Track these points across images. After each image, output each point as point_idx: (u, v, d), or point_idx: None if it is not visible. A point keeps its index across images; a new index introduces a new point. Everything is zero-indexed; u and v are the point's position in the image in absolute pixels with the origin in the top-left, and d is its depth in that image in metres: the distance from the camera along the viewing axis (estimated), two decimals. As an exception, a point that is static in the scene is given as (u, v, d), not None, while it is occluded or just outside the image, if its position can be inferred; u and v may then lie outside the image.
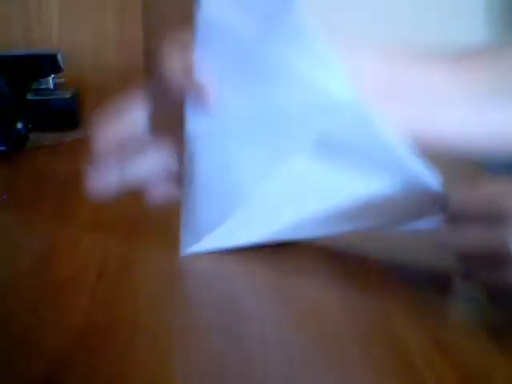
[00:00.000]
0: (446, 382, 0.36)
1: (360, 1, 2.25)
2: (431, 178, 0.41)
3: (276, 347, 0.41)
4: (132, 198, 0.66)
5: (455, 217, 0.36)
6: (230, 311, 0.45)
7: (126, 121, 0.45)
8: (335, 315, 0.44)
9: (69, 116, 0.88)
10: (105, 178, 0.46)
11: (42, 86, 0.90)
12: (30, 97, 0.88)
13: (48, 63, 0.88)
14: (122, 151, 0.45)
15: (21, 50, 0.98)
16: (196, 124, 0.42)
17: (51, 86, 0.90)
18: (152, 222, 0.60)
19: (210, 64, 0.41)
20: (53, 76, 0.90)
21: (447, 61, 0.47)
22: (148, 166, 0.46)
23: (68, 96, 0.89)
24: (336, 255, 0.50)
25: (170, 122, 0.43)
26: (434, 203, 0.41)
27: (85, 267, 0.52)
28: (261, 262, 0.50)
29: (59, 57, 0.88)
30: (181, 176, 0.47)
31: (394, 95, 0.42)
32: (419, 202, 0.42)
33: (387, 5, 2.30)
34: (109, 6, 1.04)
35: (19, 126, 0.79)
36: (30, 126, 0.83)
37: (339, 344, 0.41)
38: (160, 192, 0.46)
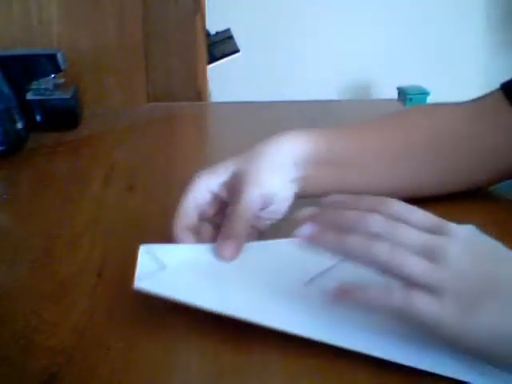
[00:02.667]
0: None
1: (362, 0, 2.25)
2: None
3: None
4: (131, 200, 0.67)
5: None
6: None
7: None
8: None
9: (68, 116, 0.89)
10: None
11: (42, 86, 0.90)
12: (29, 97, 0.88)
13: (48, 63, 0.88)
14: None
15: (21, 49, 0.98)
16: None
17: (51, 86, 0.90)
18: (151, 222, 0.60)
19: None
20: (53, 76, 0.90)
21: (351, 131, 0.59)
22: None
23: (68, 96, 0.89)
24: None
25: None
26: None
27: (85, 267, 0.52)
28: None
29: (59, 57, 0.88)
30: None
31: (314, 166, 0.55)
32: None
33: (387, 4, 2.30)
34: (109, 6, 1.04)
35: (19, 126, 0.79)
36: (29, 125, 0.83)
37: None
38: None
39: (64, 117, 0.88)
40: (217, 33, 1.52)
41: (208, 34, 1.29)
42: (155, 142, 0.86)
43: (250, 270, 0.47)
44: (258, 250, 0.49)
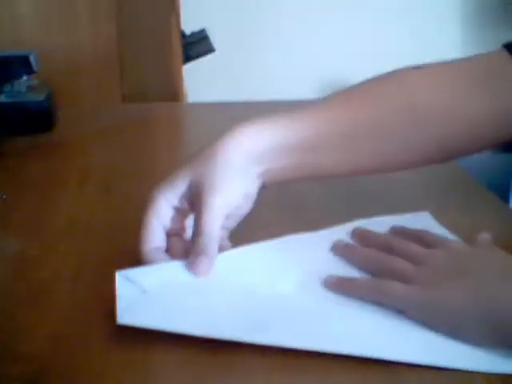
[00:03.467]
0: None
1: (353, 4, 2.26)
2: None
3: None
4: (108, 202, 0.66)
5: None
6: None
7: None
8: None
9: (42, 118, 0.87)
10: None
11: (15, 88, 0.89)
12: (1, 99, 0.87)
13: (20, 65, 0.87)
14: None
15: (-8, 51, 0.96)
16: None
17: (24, 88, 0.89)
18: (128, 225, 0.59)
19: None
20: (25, 78, 0.88)
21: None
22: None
23: (41, 98, 0.88)
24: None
25: None
26: None
27: (61, 272, 0.51)
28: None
29: (32, 58, 0.86)
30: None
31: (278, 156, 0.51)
32: None
33: (364, 2, 2.31)
34: (81, 6, 1.03)
35: (-9, 129, 0.78)
36: (2, 129, 0.82)
37: None
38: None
39: (37, 119, 0.87)
40: (192, 33, 1.51)
41: (183, 34, 1.28)
42: (131, 143, 0.85)
43: (229, 281, 0.47)
44: (232, 259, 0.49)
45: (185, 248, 0.49)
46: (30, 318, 0.45)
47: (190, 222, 0.51)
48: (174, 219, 0.50)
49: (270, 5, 2.23)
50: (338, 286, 0.46)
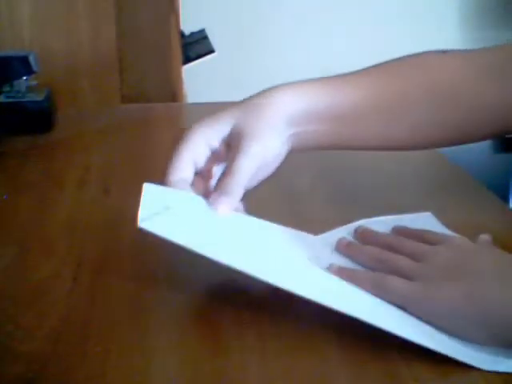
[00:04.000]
0: None
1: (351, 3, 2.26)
2: None
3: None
4: (107, 203, 0.66)
5: None
6: (206, 310, 0.45)
7: None
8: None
9: (42, 119, 0.87)
10: None
11: (14, 89, 0.88)
12: (1, 99, 0.87)
13: (20, 65, 0.87)
14: None
15: (-8, 51, 0.96)
16: None
17: (23, 89, 0.89)
18: (128, 225, 0.59)
19: None
20: (25, 78, 0.88)
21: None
22: None
23: (41, 98, 0.88)
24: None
25: None
26: None
27: (60, 272, 0.51)
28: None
29: (31, 58, 0.86)
30: None
31: (311, 120, 0.52)
32: None
33: (362, 3, 2.31)
34: (81, 7, 1.03)
35: (-10, 129, 0.78)
36: (1, 129, 0.82)
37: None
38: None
39: (37, 119, 0.87)
40: (191, 33, 1.51)
41: (182, 35, 1.28)
42: (130, 143, 0.85)
43: (245, 231, 0.48)
44: (246, 221, 0.49)
45: (206, 191, 0.49)
46: (29, 318, 0.45)
47: (217, 169, 0.51)
48: (207, 159, 0.50)
49: (269, 5, 2.23)
50: (340, 274, 0.46)
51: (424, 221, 0.56)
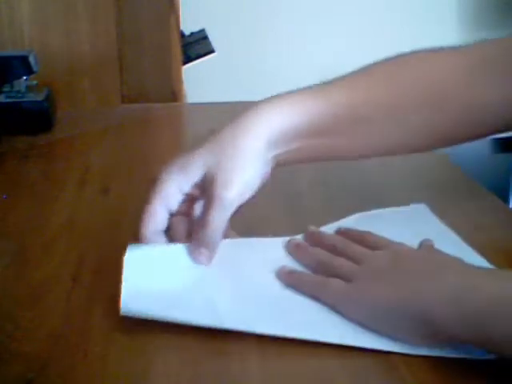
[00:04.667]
0: None
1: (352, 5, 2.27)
2: None
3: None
4: (107, 202, 0.66)
5: None
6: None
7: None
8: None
9: (41, 119, 0.87)
10: None
11: (14, 89, 0.88)
12: (1, 99, 0.87)
13: (20, 65, 0.87)
14: None
15: (-9, 51, 0.96)
16: None
17: (23, 89, 0.89)
18: (127, 225, 0.59)
19: None
20: (25, 78, 0.88)
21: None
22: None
23: (40, 98, 0.88)
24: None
25: None
26: None
27: (60, 272, 0.51)
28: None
29: (31, 58, 0.86)
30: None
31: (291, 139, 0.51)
32: None
33: (361, 5, 2.32)
34: (81, 7, 1.03)
35: (-10, 129, 0.78)
36: (1, 129, 0.82)
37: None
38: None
39: (37, 119, 0.87)
40: (191, 33, 1.51)
41: (182, 35, 1.28)
42: (130, 143, 0.85)
43: (228, 269, 0.48)
44: (233, 248, 0.49)
45: (187, 230, 0.49)
46: (29, 318, 0.45)
47: (197, 205, 0.51)
48: (181, 204, 0.50)
49: (269, 5, 2.23)
50: (287, 278, 0.47)
51: (419, 213, 0.56)
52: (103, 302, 0.46)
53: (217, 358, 0.40)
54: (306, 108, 0.51)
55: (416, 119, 0.53)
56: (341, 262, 0.47)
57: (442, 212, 0.57)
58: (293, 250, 0.51)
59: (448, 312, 0.38)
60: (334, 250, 0.49)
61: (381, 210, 0.57)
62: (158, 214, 0.49)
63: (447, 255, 0.44)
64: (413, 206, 0.58)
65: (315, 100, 0.51)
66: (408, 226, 0.53)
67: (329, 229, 0.53)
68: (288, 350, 0.41)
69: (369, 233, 0.51)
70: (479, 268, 0.42)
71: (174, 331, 0.43)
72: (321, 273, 0.47)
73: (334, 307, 0.43)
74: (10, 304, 0.47)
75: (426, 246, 0.47)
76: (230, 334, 0.42)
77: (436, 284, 0.40)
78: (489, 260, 0.49)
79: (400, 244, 0.48)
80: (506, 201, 1.95)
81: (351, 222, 0.54)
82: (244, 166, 0.48)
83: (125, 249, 0.52)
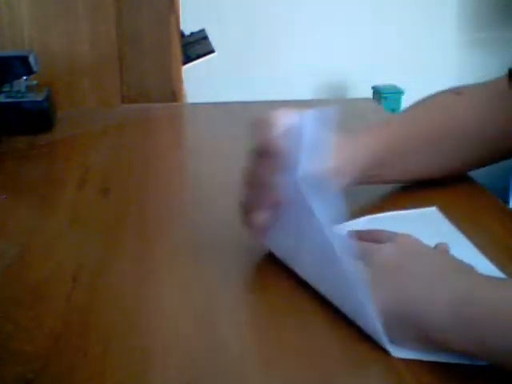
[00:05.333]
0: None
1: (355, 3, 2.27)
2: None
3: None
4: (107, 202, 0.66)
5: None
6: (206, 311, 0.45)
7: None
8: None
9: (41, 118, 0.87)
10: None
11: (14, 89, 0.88)
12: (1, 99, 0.87)
13: (20, 65, 0.87)
14: None
15: (-9, 51, 0.96)
16: None
17: (23, 89, 0.89)
18: (127, 225, 0.59)
19: None
20: (25, 78, 0.88)
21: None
22: None
23: (40, 98, 0.88)
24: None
25: None
26: None
27: (60, 272, 0.51)
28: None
29: (31, 58, 0.86)
30: None
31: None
32: None
33: (362, 4, 2.32)
34: (81, 7, 1.03)
35: (-10, 129, 0.78)
36: (1, 129, 0.82)
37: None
38: None
39: (37, 119, 0.87)
40: (191, 33, 1.51)
41: (182, 35, 1.28)
42: (130, 143, 0.85)
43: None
44: None
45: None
46: (29, 319, 0.45)
47: None
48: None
49: (269, 5, 2.23)
50: None
51: (430, 216, 0.56)
52: (103, 302, 0.46)
53: (217, 358, 0.40)
54: (365, 147, 0.58)
55: (449, 149, 0.63)
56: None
57: (441, 211, 0.57)
58: None
59: (445, 319, 0.38)
60: None
61: (392, 213, 0.57)
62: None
63: (459, 260, 0.43)
64: (424, 210, 0.58)
65: (381, 137, 0.60)
66: (420, 229, 0.52)
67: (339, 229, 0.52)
68: (288, 348, 0.41)
69: (376, 231, 0.50)
70: (485, 276, 0.42)
71: (174, 331, 0.43)
72: None
73: None
74: (10, 304, 0.47)
75: (440, 248, 0.46)
76: (229, 333, 0.42)
77: (437, 289, 0.40)
78: (489, 260, 0.49)
79: (410, 237, 0.46)
80: (506, 201, 1.95)
81: (361, 224, 0.54)
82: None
83: (125, 249, 0.52)
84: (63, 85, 1.00)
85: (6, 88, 0.88)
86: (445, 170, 0.64)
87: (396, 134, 0.61)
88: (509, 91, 0.62)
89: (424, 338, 0.39)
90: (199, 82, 1.77)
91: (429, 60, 2.35)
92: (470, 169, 0.66)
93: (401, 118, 0.67)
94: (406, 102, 2.26)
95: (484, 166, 0.65)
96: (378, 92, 2.24)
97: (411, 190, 0.64)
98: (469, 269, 0.42)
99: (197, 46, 1.48)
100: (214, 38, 1.54)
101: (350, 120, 0.92)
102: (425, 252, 0.45)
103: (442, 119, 0.64)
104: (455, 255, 0.44)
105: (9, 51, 0.96)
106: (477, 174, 0.67)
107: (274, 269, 0.50)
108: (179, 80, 1.13)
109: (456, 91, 0.66)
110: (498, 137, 0.63)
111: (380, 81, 2.24)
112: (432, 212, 0.57)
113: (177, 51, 1.12)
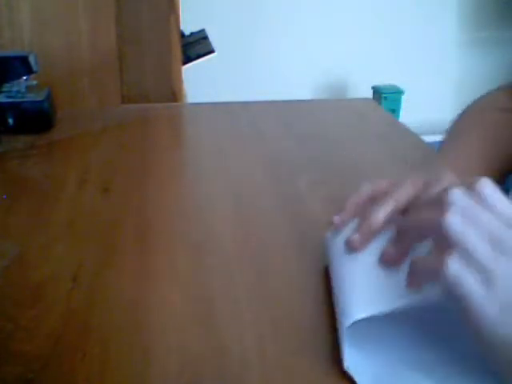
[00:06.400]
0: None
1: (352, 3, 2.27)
2: None
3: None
4: (107, 202, 0.66)
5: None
6: (206, 311, 0.45)
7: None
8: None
9: (41, 118, 0.87)
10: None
11: (14, 89, 0.88)
12: (1, 99, 0.87)
13: (20, 65, 0.87)
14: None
15: (-9, 51, 0.96)
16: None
17: (23, 89, 0.89)
18: (127, 225, 0.59)
19: None
20: (25, 78, 0.88)
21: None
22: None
23: (40, 98, 0.88)
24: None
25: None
26: None
27: (60, 272, 0.51)
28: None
29: (31, 58, 0.86)
30: None
31: None
32: None
33: (362, 4, 2.32)
34: (81, 7, 1.03)
35: (-9, 129, 0.78)
36: (1, 129, 0.82)
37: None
38: None
39: (37, 119, 0.87)
40: (191, 33, 1.51)
41: (182, 35, 1.28)
42: (130, 143, 0.85)
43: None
44: None
45: None
46: (29, 319, 0.45)
47: None
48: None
49: (269, 5, 2.23)
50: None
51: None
52: (103, 302, 0.46)
53: (217, 359, 0.40)
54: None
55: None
56: (479, 244, 0.35)
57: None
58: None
59: None
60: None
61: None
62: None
63: None
64: None
65: (458, 161, 0.60)
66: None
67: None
68: (288, 348, 0.41)
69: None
70: None
71: (174, 331, 0.43)
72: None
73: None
74: (10, 304, 0.47)
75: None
76: (230, 334, 0.42)
77: None
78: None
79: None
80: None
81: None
82: None
83: (125, 249, 0.52)
84: (63, 85, 1.00)
85: (6, 88, 0.88)
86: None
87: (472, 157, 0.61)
88: None
89: None
90: (199, 81, 1.77)
91: (429, 60, 2.35)
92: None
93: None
94: (405, 101, 2.27)
95: None
96: (378, 92, 2.25)
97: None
98: None
99: (197, 46, 1.48)
100: (213, 38, 1.54)
101: (350, 120, 0.92)
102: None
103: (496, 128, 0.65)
104: None
105: (9, 51, 0.97)
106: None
107: (273, 269, 0.50)
108: (179, 80, 1.13)
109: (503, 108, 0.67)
110: None
111: (380, 81, 2.25)
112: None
113: (177, 51, 1.12)
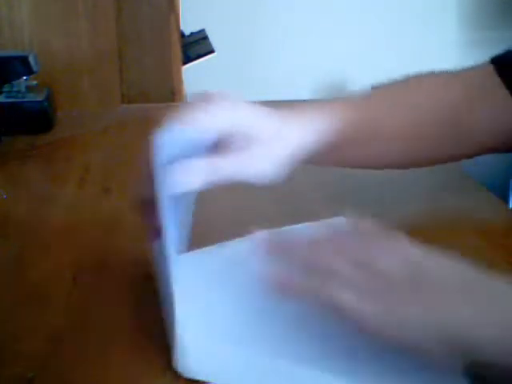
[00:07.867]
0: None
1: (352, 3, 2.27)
2: None
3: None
4: (107, 202, 0.66)
5: None
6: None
7: None
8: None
9: (42, 119, 0.87)
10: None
11: (14, 89, 0.89)
12: (1, 99, 0.87)
13: (20, 65, 0.87)
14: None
15: (-9, 51, 0.96)
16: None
17: (23, 89, 0.89)
18: (127, 225, 0.59)
19: None
20: (25, 78, 0.88)
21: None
22: None
23: (41, 98, 0.88)
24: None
25: None
26: None
27: (60, 272, 0.51)
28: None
29: (31, 58, 0.86)
30: None
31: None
32: None
33: (362, 4, 2.32)
34: (81, 7, 1.03)
35: (-10, 129, 0.78)
36: (1, 129, 0.82)
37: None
38: None
39: (37, 119, 0.87)
40: (191, 33, 1.51)
41: (182, 35, 1.28)
42: (130, 143, 0.85)
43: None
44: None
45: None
46: (29, 318, 0.45)
47: None
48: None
49: (269, 5, 2.23)
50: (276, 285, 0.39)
51: (335, 227, 0.46)
52: (103, 302, 0.46)
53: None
54: (320, 126, 0.53)
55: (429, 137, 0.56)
56: (341, 266, 0.37)
57: (441, 212, 0.57)
58: (271, 250, 0.41)
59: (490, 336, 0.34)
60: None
61: (296, 226, 0.52)
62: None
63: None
64: (331, 220, 0.51)
65: (336, 114, 0.56)
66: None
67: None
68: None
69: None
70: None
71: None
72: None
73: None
74: (11, 304, 0.47)
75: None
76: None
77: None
78: (488, 260, 0.49)
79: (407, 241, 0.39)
80: (506, 201, 1.95)
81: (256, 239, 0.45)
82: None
83: (125, 249, 0.52)
84: (63, 85, 1.00)
85: (6, 88, 0.88)
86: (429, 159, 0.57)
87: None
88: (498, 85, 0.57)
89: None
90: (199, 82, 1.77)
91: (429, 60, 2.35)
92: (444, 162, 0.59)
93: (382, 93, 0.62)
94: (406, 101, 2.26)
95: (463, 158, 0.58)
96: (378, 92, 2.24)
97: (406, 191, 0.64)
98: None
99: (197, 46, 1.48)
100: (213, 38, 1.54)
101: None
102: (433, 259, 0.38)
103: (430, 104, 0.59)
104: None
105: (9, 51, 0.96)
106: (477, 174, 0.67)
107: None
108: (179, 80, 1.13)
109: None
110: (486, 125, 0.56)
111: (380, 81, 2.25)
112: (339, 221, 0.49)
113: (177, 51, 1.12)
